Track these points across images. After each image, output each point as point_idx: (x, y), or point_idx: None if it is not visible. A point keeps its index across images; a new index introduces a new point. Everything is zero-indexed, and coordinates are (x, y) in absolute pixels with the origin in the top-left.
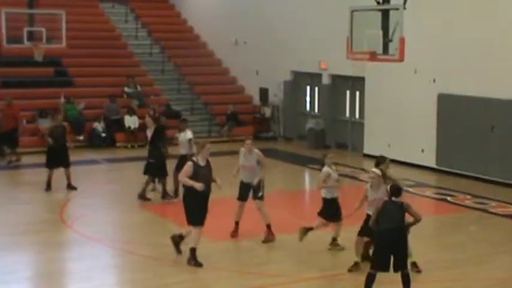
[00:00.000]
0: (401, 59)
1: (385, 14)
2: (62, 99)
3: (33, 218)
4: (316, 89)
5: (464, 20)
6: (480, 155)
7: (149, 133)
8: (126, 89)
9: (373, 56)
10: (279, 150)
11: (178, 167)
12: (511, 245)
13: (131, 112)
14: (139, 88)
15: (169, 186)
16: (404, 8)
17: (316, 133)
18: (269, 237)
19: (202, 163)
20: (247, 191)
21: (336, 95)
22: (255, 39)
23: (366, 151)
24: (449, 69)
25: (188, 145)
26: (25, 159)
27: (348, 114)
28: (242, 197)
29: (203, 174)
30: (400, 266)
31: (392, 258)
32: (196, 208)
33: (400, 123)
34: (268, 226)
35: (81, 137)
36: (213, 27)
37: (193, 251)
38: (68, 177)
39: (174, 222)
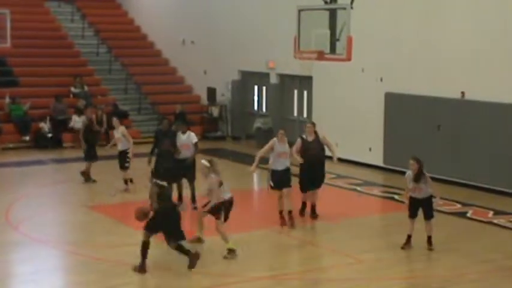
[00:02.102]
0: (348, 59)
1: (333, 13)
2: (7, 99)
3: None
4: (264, 88)
5: (411, 19)
6: (427, 153)
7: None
8: (72, 88)
9: (320, 56)
10: (227, 149)
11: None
12: (455, 242)
13: (79, 113)
14: (86, 88)
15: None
16: (352, 8)
17: (264, 132)
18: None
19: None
20: (288, 177)
21: (284, 94)
22: (202, 38)
23: None
24: (396, 68)
25: (194, 148)
26: None
27: (295, 113)
28: (284, 184)
29: None
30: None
31: None
32: None
33: (347, 122)
34: (290, 212)
35: (27, 138)
36: (160, 27)
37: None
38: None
39: (122, 223)
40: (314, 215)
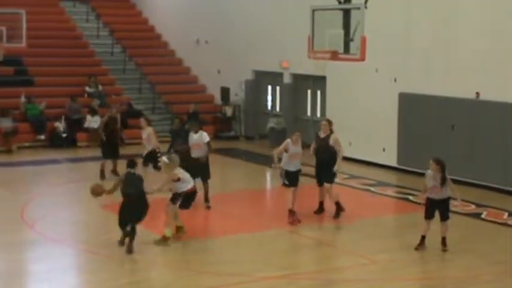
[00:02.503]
0: (362, 59)
1: (347, 13)
2: (23, 99)
3: None
4: (278, 88)
5: (425, 19)
6: (441, 154)
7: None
8: (87, 88)
9: (334, 55)
10: (241, 149)
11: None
12: (470, 243)
13: (92, 112)
14: (100, 87)
15: None
16: (366, 8)
17: (277, 132)
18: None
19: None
20: (297, 177)
21: (298, 94)
22: (216, 38)
23: None
24: (410, 68)
25: (206, 148)
26: None
27: (309, 113)
28: (295, 185)
29: None
30: None
31: None
32: None
33: (361, 122)
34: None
35: (42, 137)
36: (174, 27)
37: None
38: (115, 166)
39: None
40: (320, 211)
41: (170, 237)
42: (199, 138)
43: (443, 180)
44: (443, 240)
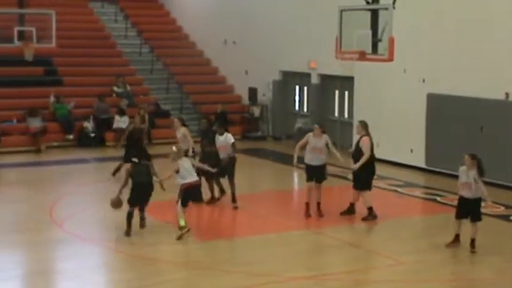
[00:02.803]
0: (390, 59)
1: (375, 13)
2: (52, 99)
3: (22, 217)
4: (305, 88)
5: (453, 19)
6: None
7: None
8: (115, 88)
9: (362, 56)
10: (268, 149)
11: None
12: (499, 245)
13: (121, 112)
14: (128, 87)
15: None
16: (394, 8)
17: (305, 133)
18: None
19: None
20: (320, 172)
21: (325, 95)
22: (244, 38)
23: None
24: (439, 69)
25: (231, 149)
26: (13, 158)
27: (336, 113)
28: (315, 179)
29: None
30: None
31: None
32: None
33: (389, 123)
34: (318, 204)
35: (71, 136)
36: (202, 27)
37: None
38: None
39: (162, 221)
40: (349, 212)
41: (185, 225)
42: (225, 140)
43: (479, 175)
44: (473, 242)
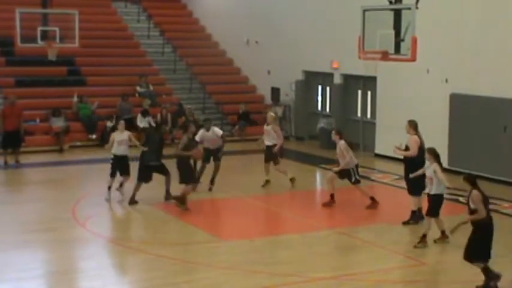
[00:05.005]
0: (413, 59)
1: (397, 13)
2: (75, 98)
3: (45, 216)
4: (328, 88)
5: (476, 19)
6: (492, 155)
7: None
8: (138, 88)
9: (385, 56)
10: (290, 149)
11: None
12: None
13: (145, 113)
14: (151, 87)
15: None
16: (417, 8)
17: (327, 133)
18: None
19: None
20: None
21: (348, 95)
22: (266, 38)
23: (377, 151)
24: (462, 69)
25: (220, 140)
26: (37, 158)
27: (359, 114)
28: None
29: None
30: None
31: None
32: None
33: None
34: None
35: (94, 136)
36: (224, 27)
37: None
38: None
39: (184, 221)
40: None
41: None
42: (213, 134)
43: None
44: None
